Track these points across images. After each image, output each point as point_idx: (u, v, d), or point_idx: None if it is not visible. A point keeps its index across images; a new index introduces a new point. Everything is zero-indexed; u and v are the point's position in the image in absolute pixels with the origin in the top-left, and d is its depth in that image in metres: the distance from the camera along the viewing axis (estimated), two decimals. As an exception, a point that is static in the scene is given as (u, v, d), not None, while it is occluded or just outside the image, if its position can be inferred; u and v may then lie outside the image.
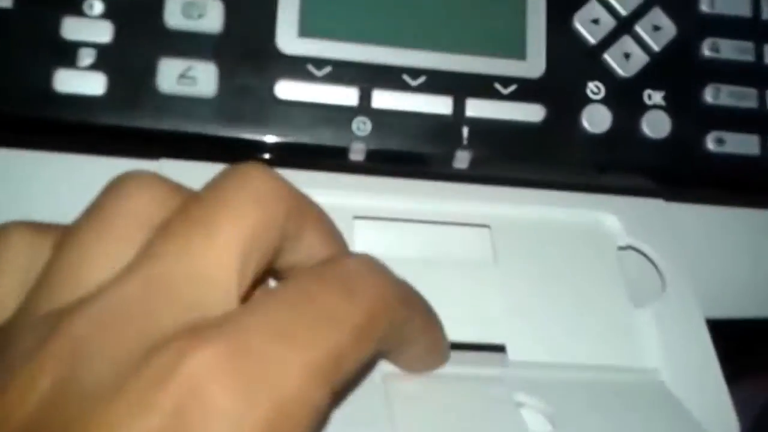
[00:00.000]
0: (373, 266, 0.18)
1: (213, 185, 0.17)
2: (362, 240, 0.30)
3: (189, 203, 0.16)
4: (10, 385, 0.14)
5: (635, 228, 0.32)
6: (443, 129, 0.27)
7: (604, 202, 0.31)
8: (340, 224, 0.30)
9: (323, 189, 0.30)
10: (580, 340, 0.29)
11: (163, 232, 0.16)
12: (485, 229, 0.32)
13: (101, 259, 0.16)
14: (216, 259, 0.15)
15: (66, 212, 0.25)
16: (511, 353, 0.28)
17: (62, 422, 0.13)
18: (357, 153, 0.27)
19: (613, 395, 0.28)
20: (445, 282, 0.30)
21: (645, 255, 0.32)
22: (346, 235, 0.29)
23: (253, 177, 0.17)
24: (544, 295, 0.30)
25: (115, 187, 0.17)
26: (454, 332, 0.28)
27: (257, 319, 0.15)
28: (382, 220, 0.31)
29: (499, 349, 0.29)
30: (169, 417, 0.13)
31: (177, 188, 0.17)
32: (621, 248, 0.32)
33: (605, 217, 0.32)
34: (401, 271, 0.28)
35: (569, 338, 0.29)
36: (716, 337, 0.31)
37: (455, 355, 0.28)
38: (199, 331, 0.14)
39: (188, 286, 0.15)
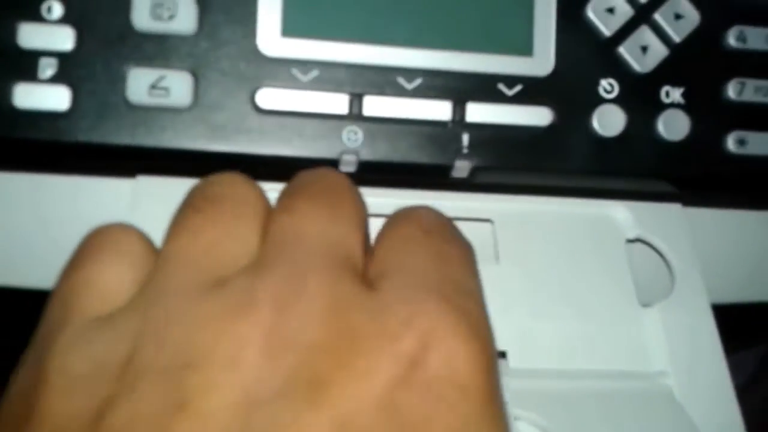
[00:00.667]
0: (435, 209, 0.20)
1: (308, 181, 0.19)
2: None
3: (300, 191, 0.18)
4: (220, 349, 0.15)
5: (645, 219, 0.30)
6: (441, 137, 0.25)
7: (612, 204, 0.30)
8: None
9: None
10: (584, 343, 0.28)
11: (293, 216, 0.17)
12: (487, 224, 0.30)
13: (236, 240, 0.17)
14: (348, 233, 0.17)
15: (34, 232, 0.24)
16: (512, 360, 0.27)
17: (285, 376, 0.14)
18: (348, 165, 0.25)
19: (616, 405, 0.27)
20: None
21: (654, 248, 0.30)
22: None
23: (335, 174, 0.19)
24: (547, 294, 0.29)
25: (218, 183, 0.19)
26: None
27: (437, 275, 0.17)
28: (377, 217, 0.29)
29: (500, 355, 0.28)
30: (410, 364, 0.15)
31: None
32: (629, 241, 0.31)
33: (614, 208, 0.31)
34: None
35: (573, 342, 0.28)
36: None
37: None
38: (415, 291, 0.16)
39: (341, 252, 0.17)
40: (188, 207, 0.18)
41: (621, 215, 0.30)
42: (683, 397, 0.27)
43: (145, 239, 0.18)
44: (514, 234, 0.30)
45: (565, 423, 0.25)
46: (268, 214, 0.18)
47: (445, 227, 0.19)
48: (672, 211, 0.30)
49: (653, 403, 0.27)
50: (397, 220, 0.19)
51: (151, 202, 0.26)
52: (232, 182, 0.19)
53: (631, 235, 0.30)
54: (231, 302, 0.15)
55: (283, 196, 0.19)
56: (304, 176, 0.19)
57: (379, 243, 0.19)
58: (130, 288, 0.17)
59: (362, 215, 0.19)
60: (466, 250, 0.19)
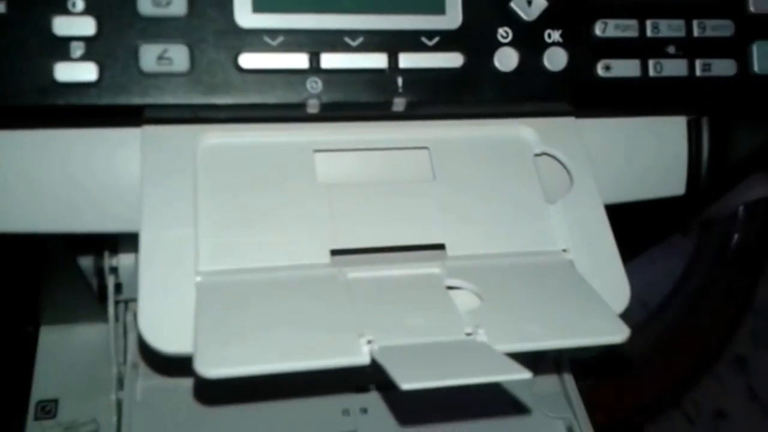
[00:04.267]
0: None
1: None
2: (322, 169, 0.36)
3: None
4: None
5: (547, 137, 0.39)
6: (382, 80, 0.33)
7: (524, 122, 0.38)
8: (302, 157, 0.36)
9: (286, 130, 0.36)
10: (504, 233, 0.37)
11: None
12: (425, 150, 0.38)
13: None
14: None
15: (71, 174, 0.31)
16: (450, 250, 0.36)
17: None
18: (312, 107, 0.33)
19: (531, 273, 0.36)
20: (393, 199, 0.37)
21: (556, 159, 0.39)
22: (307, 167, 0.36)
23: None
24: (475, 199, 0.37)
25: None
26: (402, 239, 0.35)
27: None
28: (338, 151, 0.37)
29: (439, 247, 0.36)
30: None
31: None
32: (537, 155, 0.39)
33: (523, 130, 0.39)
34: (356, 194, 0.35)
35: (496, 233, 0.37)
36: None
37: (403, 255, 0.35)
38: None
39: None
40: None
41: (529, 135, 0.39)
42: (581, 267, 0.36)
43: None
44: (445, 157, 0.38)
45: (492, 288, 0.34)
46: None
47: None
48: (568, 126, 0.39)
49: (559, 271, 0.36)
50: None
51: (157, 146, 0.34)
52: None
53: (538, 151, 0.39)
54: None
55: None
56: None
57: None
58: None
59: None
60: None
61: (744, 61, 0.36)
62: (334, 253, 0.35)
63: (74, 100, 0.30)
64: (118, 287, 0.53)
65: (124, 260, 0.54)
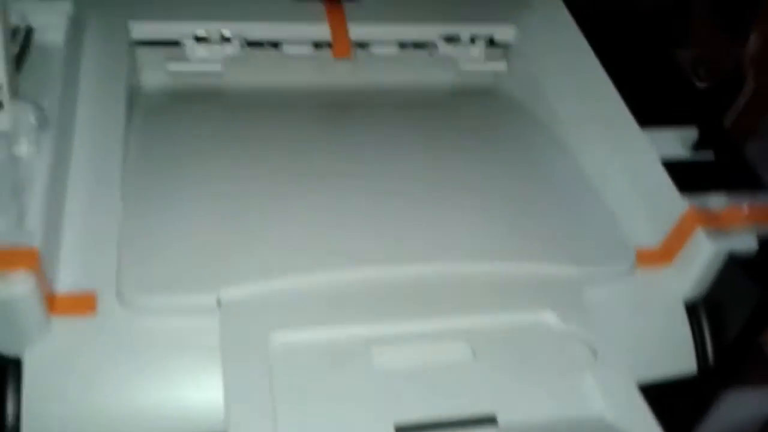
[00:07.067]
0: None
1: None
2: (378, 358, 0.41)
3: None
4: None
5: (569, 317, 0.44)
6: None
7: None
8: (358, 350, 0.42)
9: (343, 326, 0.42)
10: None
11: None
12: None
13: None
14: None
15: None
16: (501, 417, 0.39)
17: None
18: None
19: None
20: (441, 377, 0.41)
21: (580, 338, 0.44)
22: (363, 358, 0.41)
23: None
24: (513, 375, 0.42)
25: None
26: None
27: None
28: (389, 344, 0.43)
29: (491, 420, 0.39)
30: None
31: None
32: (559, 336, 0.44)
33: (545, 314, 0.45)
34: (409, 378, 0.39)
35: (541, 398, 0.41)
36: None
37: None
38: None
39: None
40: None
41: (551, 320, 0.44)
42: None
43: None
44: (482, 344, 0.43)
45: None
46: None
47: None
48: (585, 310, 0.45)
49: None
50: None
51: (233, 341, 0.39)
52: None
53: (560, 332, 0.44)
54: None
55: None
56: None
57: None
58: None
59: None
60: None
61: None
62: (399, 429, 0.38)
63: None
64: None
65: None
